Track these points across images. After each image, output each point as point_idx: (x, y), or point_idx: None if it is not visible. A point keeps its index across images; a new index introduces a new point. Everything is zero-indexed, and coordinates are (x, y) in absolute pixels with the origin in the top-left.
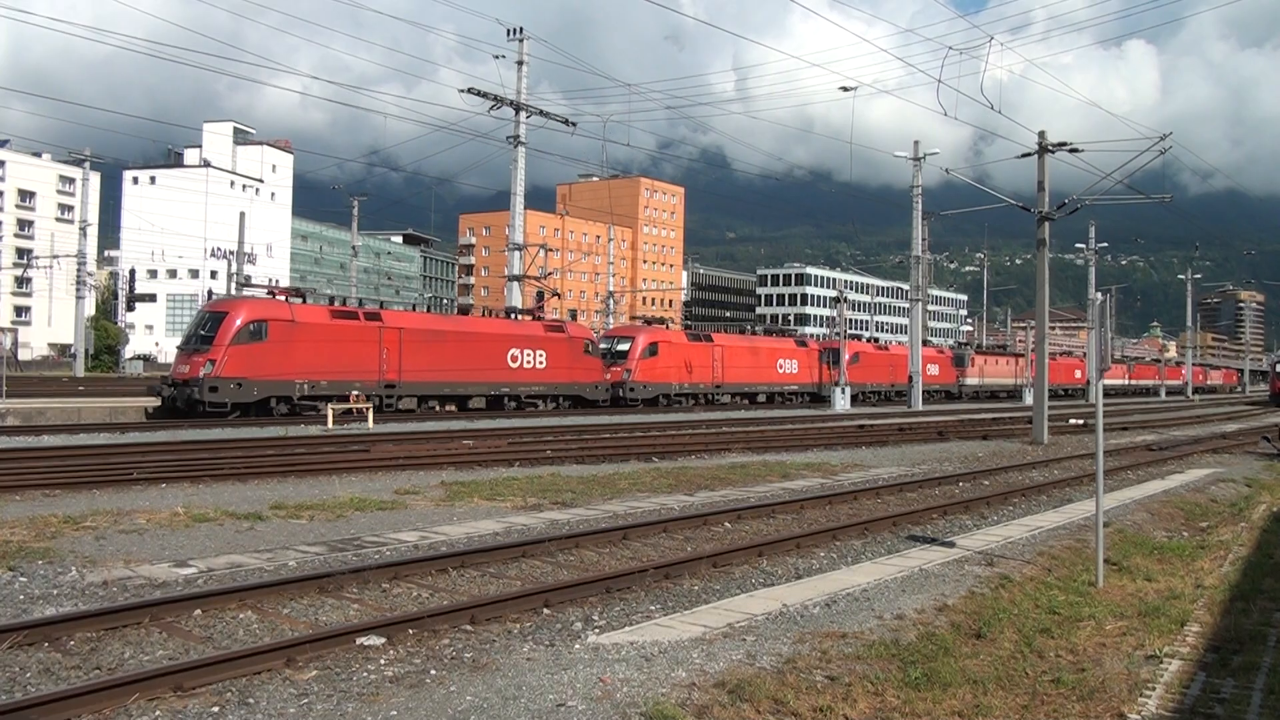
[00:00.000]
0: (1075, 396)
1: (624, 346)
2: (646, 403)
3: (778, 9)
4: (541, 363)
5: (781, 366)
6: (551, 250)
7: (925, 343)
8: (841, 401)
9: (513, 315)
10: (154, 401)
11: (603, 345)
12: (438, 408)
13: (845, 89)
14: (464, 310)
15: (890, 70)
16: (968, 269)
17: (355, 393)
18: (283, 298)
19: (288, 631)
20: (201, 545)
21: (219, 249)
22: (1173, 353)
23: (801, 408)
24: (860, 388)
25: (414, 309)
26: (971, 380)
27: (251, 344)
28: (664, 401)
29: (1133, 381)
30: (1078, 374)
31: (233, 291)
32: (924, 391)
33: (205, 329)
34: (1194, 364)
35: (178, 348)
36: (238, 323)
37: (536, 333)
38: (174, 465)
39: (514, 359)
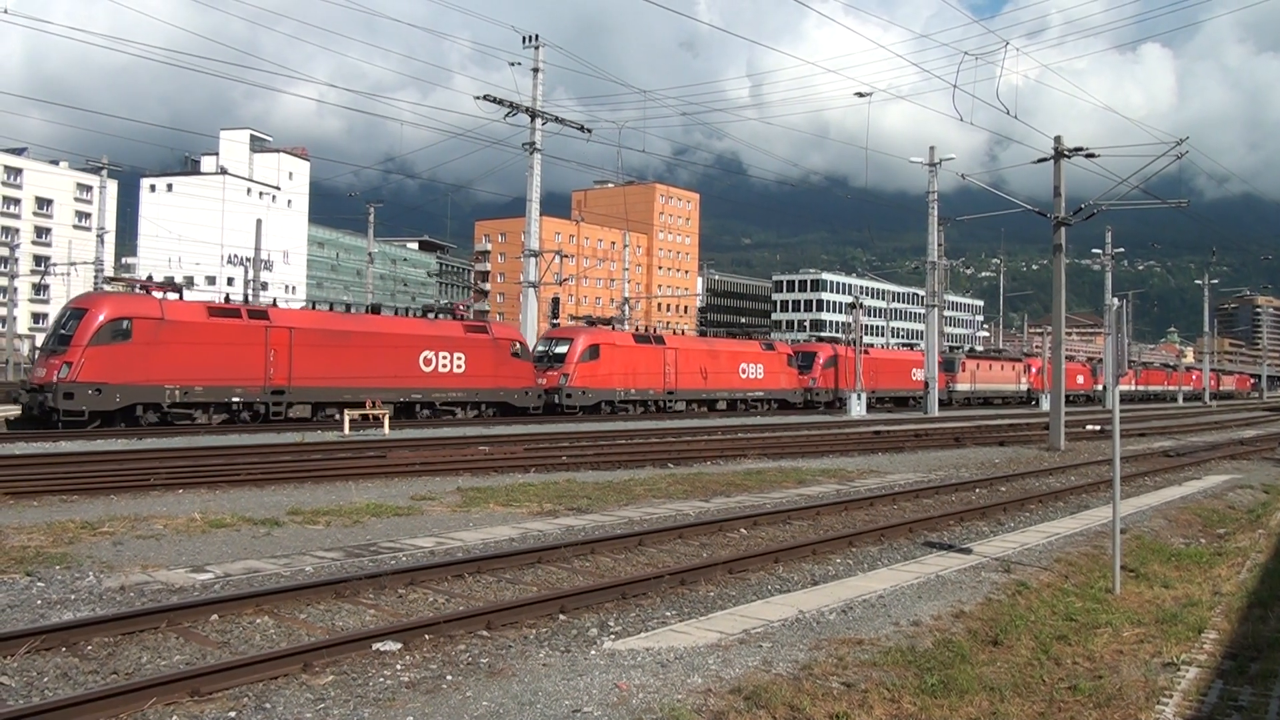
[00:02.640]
0: (1077, 403)
1: (562, 349)
2: (586, 410)
3: (792, 15)
4: (460, 366)
5: (745, 371)
6: (567, 256)
7: (910, 347)
8: (858, 407)
9: (429, 314)
10: (14, 410)
11: (540, 348)
12: (336, 416)
13: (860, 94)
14: (374, 309)
15: (906, 76)
16: (984, 274)
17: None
18: (159, 293)
19: (304, 637)
20: (218, 551)
21: (236, 256)
22: (1190, 358)
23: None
24: (838, 394)
25: (313, 307)
26: (962, 386)
27: (113, 344)
28: (607, 409)
29: (1140, 387)
30: (1080, 379)
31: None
32: (910, 399)
33: (65, 328)
34: (1210, 369)
35: (38, 349)
36: (98, 320)
37: (454, 333)
38: (191, 471)
39: (427, 362)
